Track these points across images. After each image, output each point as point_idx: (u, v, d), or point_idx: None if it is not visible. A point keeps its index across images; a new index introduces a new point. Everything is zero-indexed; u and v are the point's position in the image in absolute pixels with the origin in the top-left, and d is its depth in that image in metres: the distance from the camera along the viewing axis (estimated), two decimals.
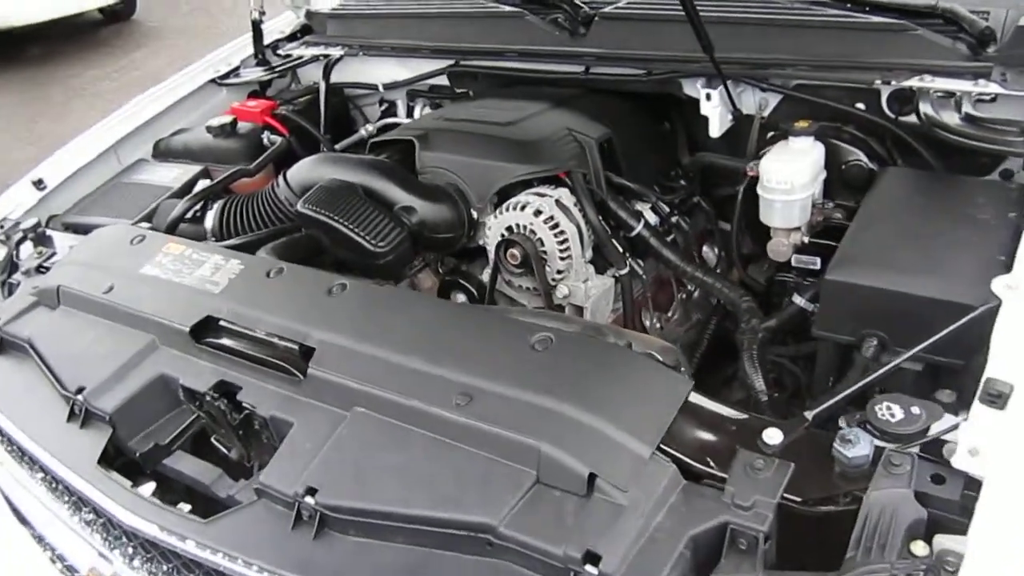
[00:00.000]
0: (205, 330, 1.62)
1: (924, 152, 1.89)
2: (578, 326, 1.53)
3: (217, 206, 2.17)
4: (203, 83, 2.74)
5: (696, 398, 1.28)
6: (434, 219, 1.95)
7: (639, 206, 2.15)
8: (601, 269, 2.02)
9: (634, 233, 2.03)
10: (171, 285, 1.73)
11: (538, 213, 1.87)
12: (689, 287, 2.28)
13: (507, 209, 1.90)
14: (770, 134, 2.16)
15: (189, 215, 2.16)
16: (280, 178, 2.12)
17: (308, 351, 1.48)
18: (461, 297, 2.03)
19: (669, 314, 2.25)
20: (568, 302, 1.93)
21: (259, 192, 2.17)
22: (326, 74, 2.71)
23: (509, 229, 1.91)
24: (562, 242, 1.87)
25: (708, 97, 2.06)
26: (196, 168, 2.37)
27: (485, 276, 2.01)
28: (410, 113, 2.83)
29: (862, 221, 1.66)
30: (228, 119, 2.44)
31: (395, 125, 2.81)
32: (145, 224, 2.09)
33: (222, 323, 1.62)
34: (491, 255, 1.98)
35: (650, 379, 1.28)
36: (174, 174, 2.37)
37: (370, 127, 2.75)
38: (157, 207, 2.21)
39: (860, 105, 2.00)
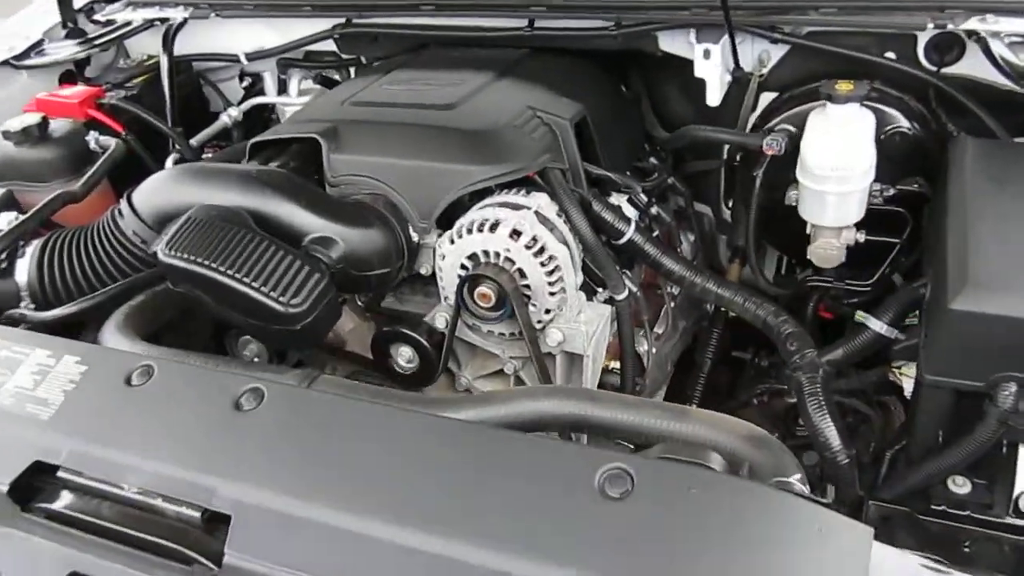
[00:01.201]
0: (33, 488, 1.01)
1: (984, 116, 1.49)
2: (636, 412, 1.03)
3: (32, 251, 1.50)
4: None
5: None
6: (361, 252, 1.37)
7: (614, 199, 1.65)
8: (588, 291, 1.52)
9: (623, 240, 1.54)
10: None
11: (516, 235, 1.33)
12: (672, 290, 1.82)
13: (467, 231, 1.35)
14: (770, 96, 1.71)
15: None
16: (123, 203, 1.47)
17: (218, 520, 0.91)
18: (406, 351, 1.47)
19: (659, 330, 1.79)
20: (562, 350, 1.41)
21: (94, 226, 1.51)
22: (167, 44, 2.02)
23: (473, 259, 1.36)
24: (551, 271, 1.34)
25: (707, 55, 1.57)
26: None
27: (436, 319, 1.46)
28: (283, 88, 2.19)
29: (963, 222, 1.22)
30: (35, 117, 1.73)
31: (265, 108, 2.18)
32: None
33: (62, 474, 1.01)
34: (444, 291, 1.43)
35: (817, 545, 0.80)
36: None
37: (234, 112, 2.09)
38: None
39: (890, 55, 1.57)
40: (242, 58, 2.08)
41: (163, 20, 2.06)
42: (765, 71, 1.69)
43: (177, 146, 1.93)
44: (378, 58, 2.02)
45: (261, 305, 1.25)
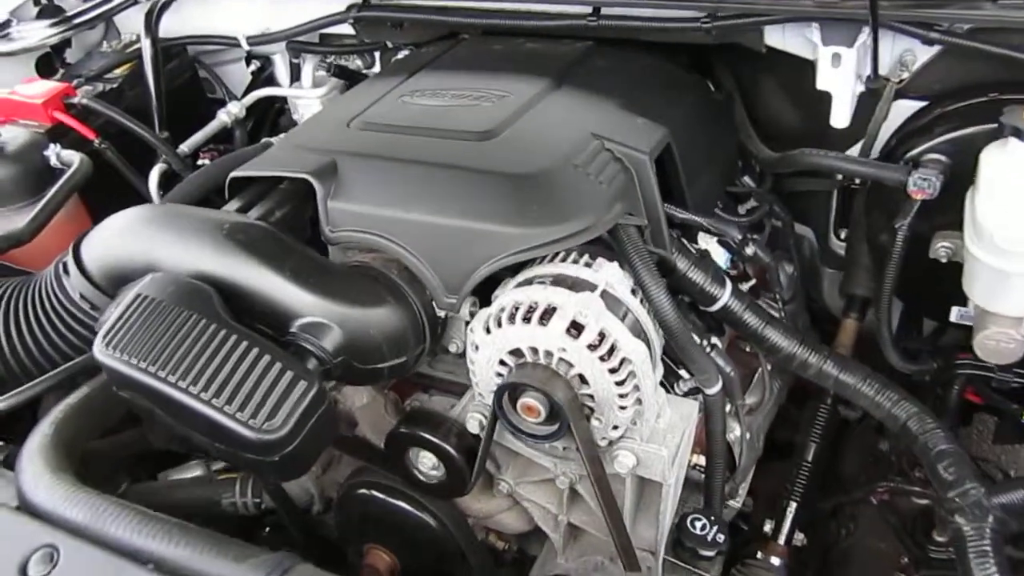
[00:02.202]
0: None
1: None
2: None
3: None
4: None
5: None
6: (368, 339, 1.02)
7: (701, 240, 1.28)
8: (668, 375, 1.16)
9: (717, 307, 1.16)
10: None
11: (576, 329, 0.96)
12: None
13: (509, 319, 0.99)
14: (906, 107, 1.29)
15: None
16: (69, 258, 1.14)
17: None
18: (429, 458, 1.13)
19: (751, 400, 1.41)
20: (635, 474, 1.06)
21: (36, 281, 1.19)
22: (150, 26, 1.66)
23: (517, 354, 1.00)
24: (623, 380, 0.98)
25: (835, 60, 1.16)
26: None
27: (468, 419, 1.11)
28: (296, 75, 1.82)
29: None
30: None
31: (275, 102, 1.82)
32: None
33: None
34: (478, 388, 1.08)
35: None
36: None
37: (234, 108, 1.74)
38: None
39: None
40: (242, 42, 1.71)
41: None
42: (905, 76, 1.26)
43: (164, 158, 1.58)
44: (405, 44, 1.65)
45: (226, 430, 0.91)
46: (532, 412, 0.99)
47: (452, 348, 1.15)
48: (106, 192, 1.51)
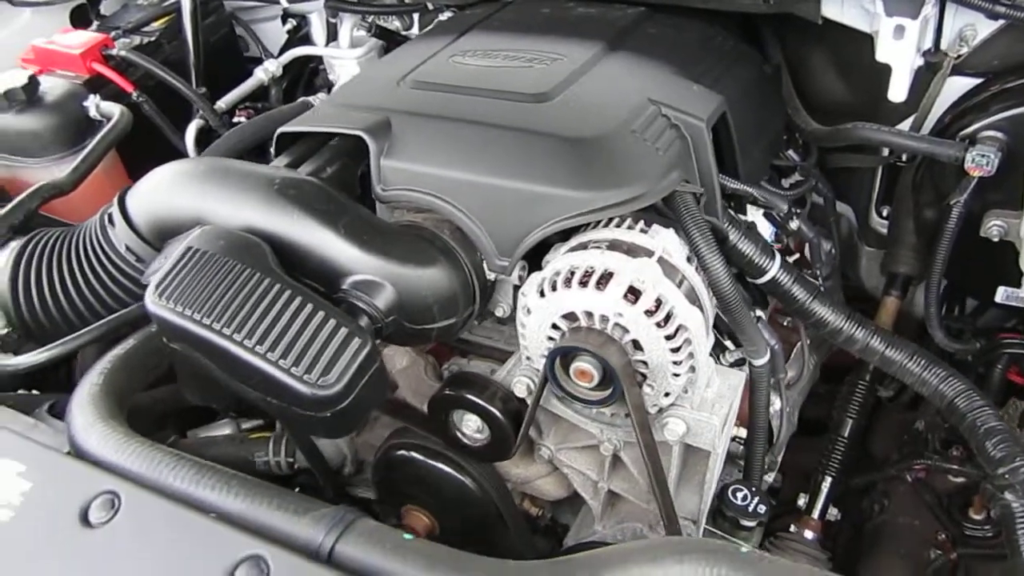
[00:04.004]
0: None
1: None
2: None
3: (7, 259, 1.18)
4: None
5: None
6: (420, 299, 1.01)
7: (749, 214, 1.27)
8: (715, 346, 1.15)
9: (765, 279, 1.15)
10: None
11: (633, 294, 0.95)
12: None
13: (565, 283, 0.98)
14: (960, 83, 1.27)
15: None
16: (115, 207, 1.13)
17: None
18: (473, 420, 1.13)
19: (789, 374, 1.40)
20: (684, 442, 1.05)
21: (81, 231, 1.18)
22: None
23: (570, 318, 1.00)
24: (679, 347, 0.97)
25: (898, 32, 1.14)
26: None
27: (515, 383, 1.10)
28: (332, 35, 1.80)
29: None
30: (21, 76, 1.38)
31: (310, 61, 1.80)
32: None
33: None
34: (527, 351, 1.07)
35: None
36: None
37: (271, 66, 1.72)
38: None
39: None
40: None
41: None
42: (964, 52, 1.24)
43: (202, 113, 1.57)
44: (448, 5, 1.62)
45: (280, 384, 0.90)
46: (585, 377, 0.99)
47: (499, 312, 1.14)
48: (141, 146, 1.50)
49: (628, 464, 1.15)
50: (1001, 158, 1.16)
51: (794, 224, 1.34)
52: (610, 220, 1.05)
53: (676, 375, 0.99)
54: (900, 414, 1.59)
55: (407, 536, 0.76)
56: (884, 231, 1.53)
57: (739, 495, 1.16)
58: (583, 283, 0.97)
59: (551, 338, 1.02)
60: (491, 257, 1.05)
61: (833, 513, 1.38)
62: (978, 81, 1.28)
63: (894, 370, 1.18)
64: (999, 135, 1.18)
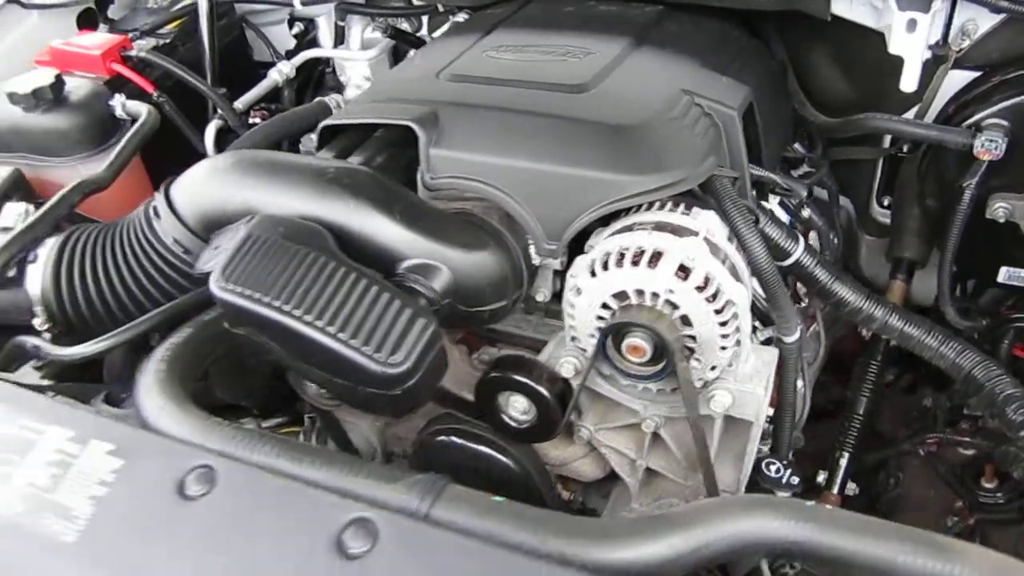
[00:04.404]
0: None
1: None
2: None
3: (47, 254, 1.18)
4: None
5: None
6: (474, 282, 1.05)
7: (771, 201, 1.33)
8: None
9: (789, 262, 1.21)
10: None
11: (685, 272, 1.00)
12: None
13: (617, 262, 1.02)
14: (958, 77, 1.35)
15: None
16: (160, 200, 1.15)
17: None
18: (520, 402, 1.16)
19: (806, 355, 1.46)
20: (726, 415, 1.10)
21: (123, 225, 1.19)
22: None
23: (620, 297, 1.04)
24: (727, 321, 1.02)
25: (911, 26, 1.21)
26: None
27: (561, 365, 1.14)
28: (340, 39, 1.83)
29: None
30: (47, 76, 1.39)
31: (319, 61, 1.82)
32: None
33: None
34: (574, 332, 1.11)
35: None
36: None
37: (285, 67, 1.74)
38: None
39: None
40: (296, 1, 1.72)
41: None
42: (965, 45, 1.32)
43: (220, 113, 1.59)
44: (460, 7, 1.67)
45: (351, 363, 0.93)
46: (637, 352, 1.03)
47: (540, 297, 1.19)
48: (159, 146, 1.51)
49: (667, 441, 1.19)
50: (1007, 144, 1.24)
51: (805, 212, 1.41)
52: (652, 203, 1.10)
53: (723, 348, 1.03)
54: (901, 397, 1.67)
55: (496, 499, 0.80)
56: (884, 220, 1.61)
57: (772, 468, 1.21)
58: (635, 262, 1.01)
59: (600, 317, 1.07)
60: (540, 241, 1.09)
61: (852, 488, 1.44)
62: (976, 74, 1.36)
63: (912, 345, 1.25)
64: (1003, 123, 1.25)
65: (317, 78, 1.89)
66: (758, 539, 0.77)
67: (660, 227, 1.05)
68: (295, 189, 1.06)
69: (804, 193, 1.29)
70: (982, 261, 1.39)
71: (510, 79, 1.18)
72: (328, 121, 1.19)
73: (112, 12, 1.83)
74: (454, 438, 1.26)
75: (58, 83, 1.39)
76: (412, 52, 1.72)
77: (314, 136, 1.29)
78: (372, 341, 0.93)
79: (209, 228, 1.13)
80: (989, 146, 1.21)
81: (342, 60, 1.80)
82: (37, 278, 1.18)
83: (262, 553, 0.73)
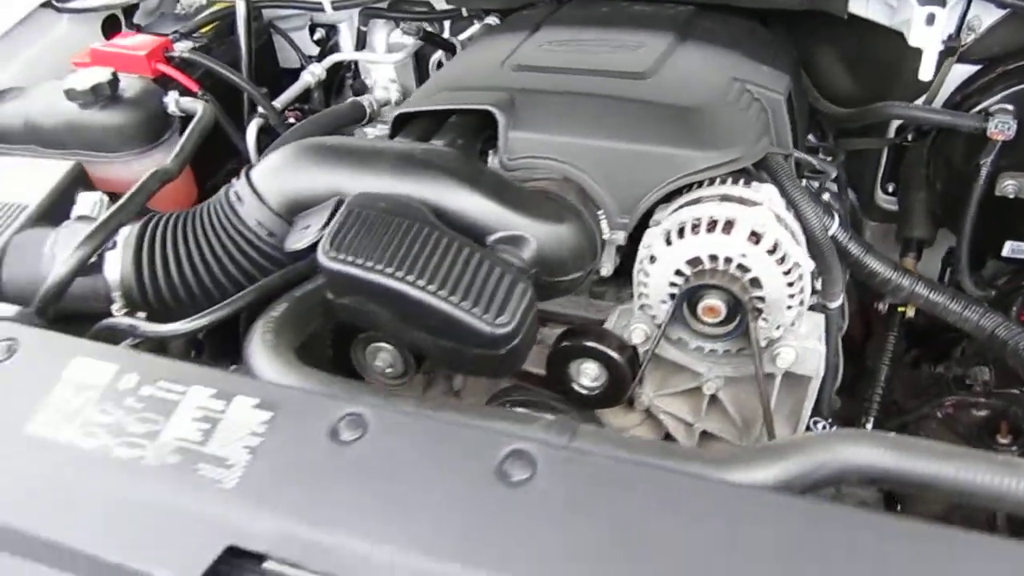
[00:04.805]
0: None
1: None
2: None
3: (125, 241, 1.21)
4: (32, 9, 1.66)
5: None
6: (557, 252, 1.12)
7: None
8: None
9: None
10: (111, 476, 0.83)
11: (756, 237, 1.09)
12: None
13: (692, 229, 1.11)
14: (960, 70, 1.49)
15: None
16: (243, 185, 1.20)
17: None
18: (592, 369, 1.23)
19: None
20: (791, 371, 1.19)
21: (201, 212, 1.23)
22: None
23: (694, 264, 1.12)
24: (792, 283, 1.11)
25: (930, 20, 1.33)
26: (58, 165, 1.36)
27: (632, 332, 1.22)
28: (361, 42, 1.90)
29: None
30: (104, 73, 1.42)
31: (340, 65, 1.88)
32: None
33: (272, 566, 0.76)
34: (647, 299, 1.19)
35: None
36: (11, 177, 1.35)
37: (317, 69, 1.80)
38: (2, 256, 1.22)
39: None
40: (327, 6, 1.78)
41: None
42: (969, 40, 1.46)
43: (264, 112, 1.63)
44: (486, 10, 1.75)
45: (461, 325, 0.99)
46: (713, 312, 1.12)
47: (604, 271, 1.26)
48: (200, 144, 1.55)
49: (725, 402, 1.28)
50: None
51: (826, 196, 1.52)
52: (713, 179, 1.18)
53: (789, 308, 1.13)
54: (908, 370, 1.79)
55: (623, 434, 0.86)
56: (887, 207, 1.74)
57: (819, 425, 1.31)
58: (709, 230, 1.10)
59: (673, 284, 1.15)
60: (613, 215, 1.17)
61: None
62: (975, 68, 1.50)
63: (938, 311, 1.35)
64: (1008, 108, 1.38)
65: (340, 82, 1.95)
66: (858, 466, 0.86)
67: (726, 198, 1.14)
68: (385, 169, 1.12)
69: (834, 174, 1.40)
70: (988, 236, 1.51)
71: (573, 68, 1.26)
72: (402, 109, 1.26)
73: (137, 18, 1.85)
74: (524, 409, 1.32)
75: (115, 80, 1.42)
76: (439, 53, 1.80)
77: (369, 129, 1.36)
78: (480, 303, 0.99)
79: (293, 211, 1.18)
80: (1002, 127, 1.33)
81: (368, 63, 1.86)
82: (116, 264, 1.20)
83: (427, 486, 0.78)
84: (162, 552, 0.77)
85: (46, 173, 1.34)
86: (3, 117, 1.47)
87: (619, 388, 1.23)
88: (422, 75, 1.90)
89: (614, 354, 1.20)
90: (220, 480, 0.81)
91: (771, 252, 1.09)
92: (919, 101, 1.53)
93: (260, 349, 1.01)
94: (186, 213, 1.24)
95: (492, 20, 1.71)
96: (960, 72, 1.51)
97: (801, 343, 1.17)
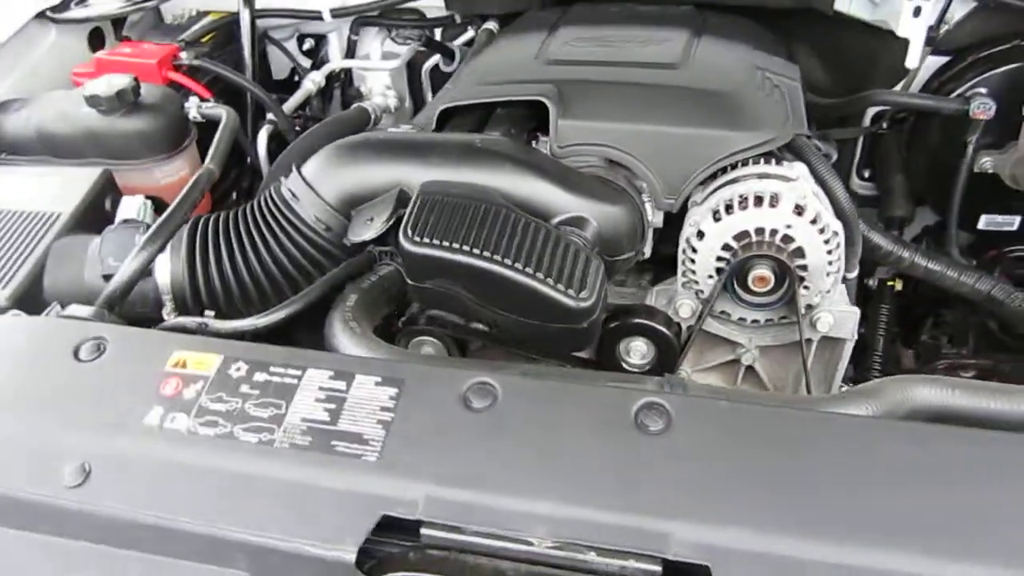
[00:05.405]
0: (392, 557, 0.78)
1: None
2: None
3: (175, 241, 1.21)
4: (27, 20, 1.62)
5: None
6: (615, 233, 1.18)
7: None
8: None
9: None
10: (244, 461, 0.83)
11: (799, 209, 1.18)
12: None
13: (738, 205, 1.19)
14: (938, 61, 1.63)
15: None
16: (296, 183, 1.21)
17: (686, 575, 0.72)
18: (640, 346, 1.29)
19: None
20: (824, 335, 1.28)
21: (251, 211, 1.24)
22: None
23: (741, 238, 1.20)
24: (831, 251, 1.20)
25: (917, 12, 1.46)
26: (85, 173, 1.34)
27: (680, 307, 1.29)
28: (352, 51, 1.92)
29: None
30: (125, 79, 1.40)
31: (338, 75, 1.90)
32: (69, 308, 1.06)
33: (429, 531, 0.78)
34: (694, 275, 1.26)
35: None
36: (39, 187, 1.32)
37: (317, 77, 1.82)
38: (44, 263, 1.19)
39: None
40: (326, 14, 1.79)
41: None
42: (942, 32, 1.60)
43: (272, 117, 1.63)
44: (483, 16, 1.81)
45: (548, 301, 1.04)
46: (763, 282, 1.20)
47: (644, 253, 1.32)
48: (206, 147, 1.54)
49: (760, 372, 1.36)
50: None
51: None
52: (746, 159, 1.27)
53: (828, 274, 1.21)
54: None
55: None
56: (863, 192, 1.87)
57: (842, 389, 1.40)
58: (757, 204, 1.18)
59: (720, 258, 1.22)
60: (659, 196, 1.23)
61: None
62: (944, 59, 1.64)
63: (935, 278, 1.47)
64: (983, 91, 1.52)
65: (330, 91, 1.96)
66: (930, 405, 0.95)
67: (764, 176, 1.22)
68: (449, 159, 1.16)
69: (835, 155, 1.51)
70: (964, 211, 1.65)
71: (607, 61, 1.33)
72: (447, 103, 1.29)
73: (126, 30, 1.83)
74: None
75: (137, 86, 1.40)
76: (433, 60, 1.84)
77: (405, 127, 1.38)
78: (563, 278, 1.04)
79: (350, 205, 1.20)
80: (984, 107, 1.47)
81: (362, 71, 1.88)
82: (166, 267, 1.20)
83: (569, 442, 0.82)
84: (314, 528, 0.78)
85: (74, 181, 1.32)
86: (14, 128, 1.43)
87: (668, 363, 1.29)
88: (414, 82, 1.93)
89: (664, 329, 1.26)
90: (360, 455, 0.83)
91: (813, 223, 1.18)
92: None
93: (351, 336, 1.03)
94: (233, 214, 1.25)
95: (491, 25, 1.76)
96: (929, 63, 1.66)
97: (837, 307, 1.26)
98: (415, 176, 1.16)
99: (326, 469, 0.82)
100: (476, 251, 1.03)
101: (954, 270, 1.45)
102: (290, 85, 1.94)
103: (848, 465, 0.78)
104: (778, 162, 1.27)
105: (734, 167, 1.26)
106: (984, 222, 1.66)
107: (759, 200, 1.18)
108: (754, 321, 1.28)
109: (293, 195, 1.21)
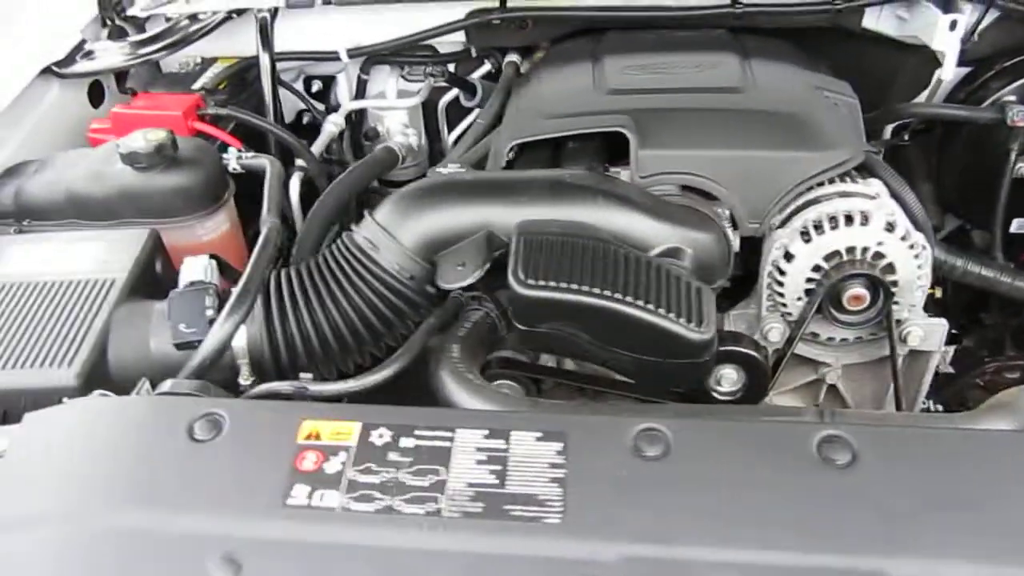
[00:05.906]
0: None
1: None
2: None
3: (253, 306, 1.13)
4: (34, 75, 1.52)
5: None
6: (709, 260, 1.16)
7: None
8: None
9: None
10: (413, 535, 0.77)
11: (890, 226, 1.17)
12: None
13: (829, 225, 1.18)
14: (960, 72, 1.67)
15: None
16: (374, 231, 1.15)
17: None
18: (731, 374, 1.26)
19: None
20: (919, 348, 1.28)
21: (328, 263, 1.18)
22: (266, 37, 1.64)
23: (832, 258, 1.19)
24: (920, 265, 1.20)
25: (953, 26, 1.49)
26: (131, 235, 1.24)
27: (770, 331, 1.27)
28: (361, 91, 1.87)
29: None
30: (162, 135, 1.32)
31: (348, 116, 1.84)
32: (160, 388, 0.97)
33: None
34: (782, 298, 1.24)
35: None
36: (83, 253, 1.22)
37: (338, 119, 1.76)
38: (106, 335, 1.10)
39: None
40: (343, 55, 1.74)
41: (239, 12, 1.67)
42: (967, 44, 1.64)
43: (304, 164, 1.57)
44: (497, 48, 1.78)
45: (668, 335, 1.01)
46: (859, 301, 1.19)
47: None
48: (240, 197, 1.47)
49: (842, 390, 1.35)
50: None
51: None
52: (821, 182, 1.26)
53: (918, 288, 1.21)
54: None
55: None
56: None
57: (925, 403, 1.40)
58: (848, 223, 1.17)
59: (810, 279, 1.21)
60: (743, 221, 1.22)
61: None
62: (966, 70, 1.68)
63: (989, 283, 1.49)
64: (1012, 99, 1.56)
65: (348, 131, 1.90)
66: None
67: (845, 195, 1.22)
68: (539, 198, 1.12)
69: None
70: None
71: (668, 88, 1.31)
72: (519, 139, 1.25)
73: (129, 82, 1.73)
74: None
75: (173, 140, 1.32)
76: (450, 95, 1.80)
77: (452, 167, 1.34)
78: (682, 313, 1.01)
79: (432, 251, 1.15)
80: (1023, 115, 1.50)
81: (378, 111, 1.83)
82: (242, 330, 1.12)
83: (753, 480, 0.78)
84: None
85: (121, 244, 1.23)
86: (39, 191, 1.33)
87: (757, 390, 1.27)
88: (428, 119, 1.88)
89: (756, 354, 1.24)
90: (540, 517, 0.77)
91: (903, 239, 1.18)
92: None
93: (474, 389, 0.98)
94: (306, 268, 1.18)
95: (514, 57, 1.73)
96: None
97: (926, 320, 1.26)
98: (502, 217, 1.12)
99: (507, 537, 0.77)
100: (596, 291, 0.99)
101: (1008, 275, 1.47)
102: (297, 128, 1.87)
103: None
104: (852, 180, 1.27)
105: (809, 188, 1.26)
106: (1016, 225, 1.70)
107: (849, 219, 1.17)
108: (842, 340, 1.27)
109: (372, 244, 1.15)
